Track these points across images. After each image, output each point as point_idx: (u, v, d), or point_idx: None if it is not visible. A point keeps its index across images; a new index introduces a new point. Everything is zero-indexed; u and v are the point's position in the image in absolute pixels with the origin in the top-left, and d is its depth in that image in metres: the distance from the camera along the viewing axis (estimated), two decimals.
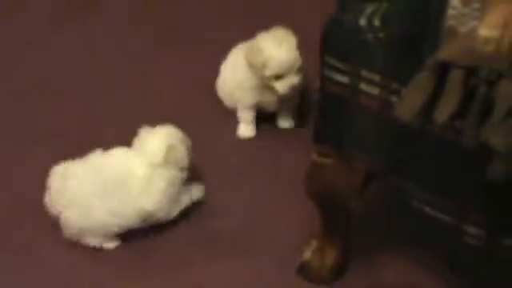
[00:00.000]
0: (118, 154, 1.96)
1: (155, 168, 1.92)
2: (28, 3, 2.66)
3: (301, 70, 2.10)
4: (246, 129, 2.22)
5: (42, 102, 2.31)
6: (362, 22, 1.48)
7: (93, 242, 1.93)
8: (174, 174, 1.94)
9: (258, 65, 2.09)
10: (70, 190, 1.90)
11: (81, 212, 1.90)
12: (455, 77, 1.30)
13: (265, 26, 2.16)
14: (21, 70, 2.42)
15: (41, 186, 1.95)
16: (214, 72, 2.29)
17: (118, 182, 1.91)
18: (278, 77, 2.10)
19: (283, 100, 2.18)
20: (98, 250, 1.93)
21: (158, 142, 1.93)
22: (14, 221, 2.01)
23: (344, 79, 1.53)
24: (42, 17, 2.60)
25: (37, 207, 1.96)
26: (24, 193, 2.06)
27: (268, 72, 2.09)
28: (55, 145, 2.15)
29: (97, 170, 1.92)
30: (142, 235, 1.96)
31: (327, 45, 1.54)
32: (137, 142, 1.97)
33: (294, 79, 2.10)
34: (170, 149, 1.93)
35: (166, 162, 1.92)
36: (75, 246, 1.94)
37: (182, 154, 1.95)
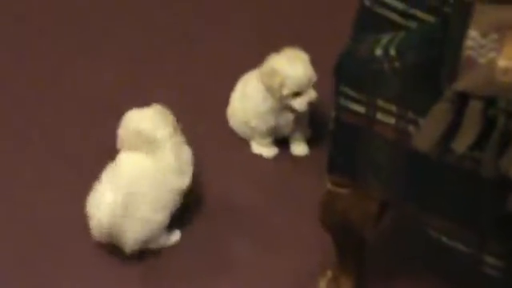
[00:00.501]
0: (128, 158, 1.97)
1: (168, 146, 1.95)
2: None
3: (315, 86, 2.13)
4: (266, 150, 2.23)
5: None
6: (378, 51, 1.48)
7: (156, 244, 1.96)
8: (178, 140, 1.99)
9: (276, 86, 2.10)
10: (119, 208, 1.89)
11: (137, 224, 1.91)
12: (474, 107, 1.30)
13: (268, 52, 2.18)
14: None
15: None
16: (222, 99, 2.29)
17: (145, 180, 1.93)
18: (296, 94, 2.11)
19: (298, 121, 2.19)
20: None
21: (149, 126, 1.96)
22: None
23: (360, 109, 1.52)
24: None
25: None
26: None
27: (286, 91, 2.11)
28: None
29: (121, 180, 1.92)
30: None
31: (342, 74, 1.53)
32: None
33: (311, 94, 2.12)
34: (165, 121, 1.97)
35: (170, 133, 1.96)
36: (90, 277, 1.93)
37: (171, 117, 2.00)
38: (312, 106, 2.15)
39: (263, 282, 1.92)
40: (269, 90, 2.13)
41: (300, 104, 2.13)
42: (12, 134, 2.27)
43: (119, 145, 1.99)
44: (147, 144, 1.94)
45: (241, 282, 1.92)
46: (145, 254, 1.96)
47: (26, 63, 2.48)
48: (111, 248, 1.95)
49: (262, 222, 2.06)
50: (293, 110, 2.15)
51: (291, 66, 2.10)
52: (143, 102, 2.03)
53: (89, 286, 1.93)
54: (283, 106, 2.15)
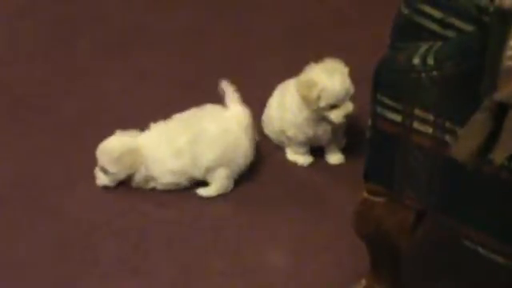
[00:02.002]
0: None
1: None
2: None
3: (353, 98, 2.12)
4: (302, 158, 2.23)
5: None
6: (416, 60, 1.47)
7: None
8: None
9: (313, 97, 2.09)
10: None
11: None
12: None
13: (305, 61, 2.17)
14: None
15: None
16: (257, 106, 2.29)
17: None
18: (333, 106, 2.11)
19: (335, 131, 2.18)
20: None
21: None
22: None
23: (397, 118, 1.52)
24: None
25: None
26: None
27: (323, 103, 2.10)
28: None
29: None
30: None
31: (380, 83, 1.53)
32: None
33: (348, 107, 2.11)
34: None
35: None
36: (120, 279, 1.94)
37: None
38: (349, 118, 2.14)
39: (296, 287, 1.91)
40: (305, 100, 2.12)
41: (337, 116, 2.12)
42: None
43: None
44: None
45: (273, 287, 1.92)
46: None
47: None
48: None
49: (295, 229, 2.05)
50: (330, 122, 2.14)
51: (329, 78, 2.09)
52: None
53: None
54: (320, 117, 2.14)
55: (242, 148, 2.12)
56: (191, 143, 2.09)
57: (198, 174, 2.12)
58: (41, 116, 2.37)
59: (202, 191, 2.13)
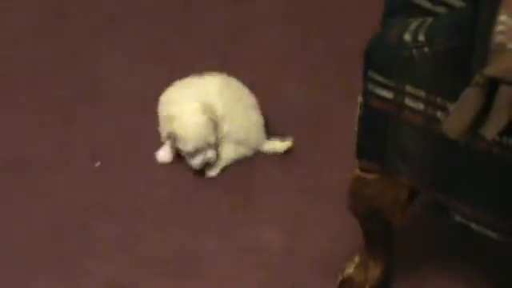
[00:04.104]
0: None
1: None
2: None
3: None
4: (279, 144, 2.21)
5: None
6: (407, 37, 1.47)
7: None
8: None
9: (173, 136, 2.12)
10: None
11: None
12: (504, 93, 1.28)
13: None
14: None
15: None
16: None
17: None
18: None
19: None
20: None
21: None
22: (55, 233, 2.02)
23: (388, 94, 1.52)
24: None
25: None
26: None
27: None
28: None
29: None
30: None
31: (371, 60, 1.53)
32: None
33: (208, 155, 2.09)
34: None
35: None
36: (116, 259, 1.95)
37: None
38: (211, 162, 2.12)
39: (290, 266, 1.92)
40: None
41: (195, 164, 2.10)
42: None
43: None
44: None
45: (267, 267, 1.92)
46: None
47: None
48: None
49: (290, 207, 2.06)
50: None
51: (184, 128, 2.06)
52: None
53: None
54: None
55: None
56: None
57: None
58: (30, 97, 2.36)
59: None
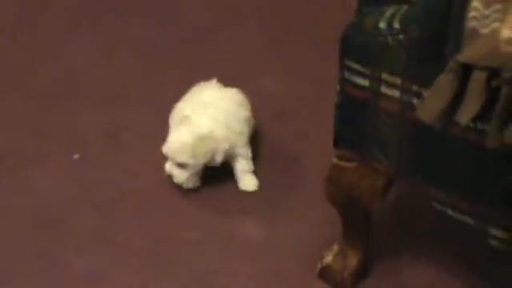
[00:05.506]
0: None
1: None
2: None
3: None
4: None
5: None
6: (382, 24, 1.48)
7: None
8: None
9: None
10: None
11: None
12: (478, 78, 1.29)
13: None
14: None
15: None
16: None
17: None
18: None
19: None
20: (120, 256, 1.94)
21: None
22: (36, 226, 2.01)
23: (364, 82, 1.53)
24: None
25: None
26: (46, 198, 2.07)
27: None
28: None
29: None
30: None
31: (347, 48, 1.53)
32: None
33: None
34: None
35: None
36: (95, 250, 1.95)
37: None
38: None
39: (270, 255, 1.93)
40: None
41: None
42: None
43: None
44: None
45: (247, 256, 1.93)
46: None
47: None
48: None
49: (268, 198, 2.06)
50: None
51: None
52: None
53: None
54: None
55: None
56: None
57: None
58: (8, 89, 2.35)
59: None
